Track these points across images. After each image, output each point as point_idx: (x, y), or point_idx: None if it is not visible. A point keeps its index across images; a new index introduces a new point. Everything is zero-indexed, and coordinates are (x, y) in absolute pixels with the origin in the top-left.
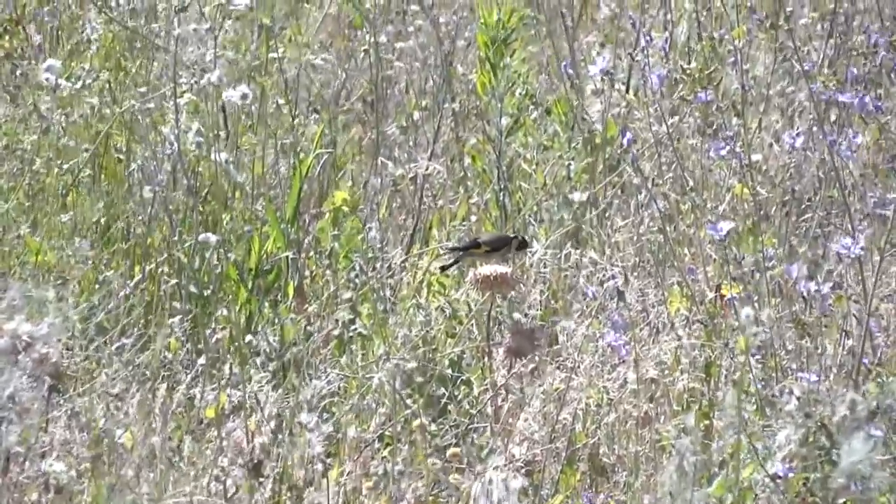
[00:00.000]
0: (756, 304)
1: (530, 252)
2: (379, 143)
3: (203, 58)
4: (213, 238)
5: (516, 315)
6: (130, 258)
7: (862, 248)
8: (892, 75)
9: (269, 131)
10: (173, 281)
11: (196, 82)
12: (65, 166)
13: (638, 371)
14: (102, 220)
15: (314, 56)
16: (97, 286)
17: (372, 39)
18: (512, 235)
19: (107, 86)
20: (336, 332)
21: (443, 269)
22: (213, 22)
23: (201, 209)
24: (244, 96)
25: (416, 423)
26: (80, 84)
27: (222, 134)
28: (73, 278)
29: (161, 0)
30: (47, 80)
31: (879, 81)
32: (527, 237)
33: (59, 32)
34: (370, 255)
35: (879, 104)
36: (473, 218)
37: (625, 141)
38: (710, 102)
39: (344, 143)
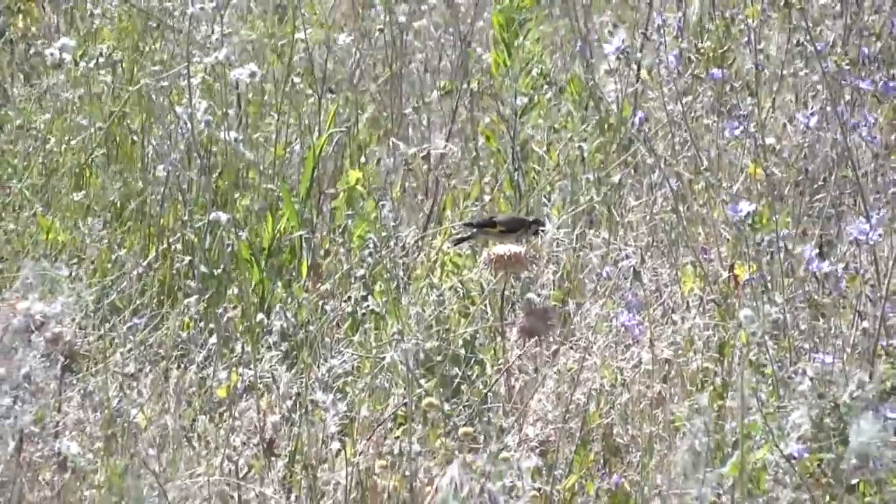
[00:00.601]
0: (769, 285)
1: (543, 232)
2: (394, 123)
3: (212, 37)
4: (223, 217)
5: (530, 294)
6: (144, 237)
7: (880, 235)
8: None
9: (283, 110)
10: (186, 260)
11: (207, 62)
12: (78, 145)
13: (652, 351)
14: (116, 200)
15: (330, 35)
16: (110, 266)
17: (387, 18)
18: (529, 219)
19: (120, 65)
20: (349, 311)
21: (456, 242)
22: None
23: (214, 188)
24: (252, 74)
25: (426, 401)
26: (93, 63)
27: (232, 112)
28: (87, 258)
29: None
30: (56, 56)
31: (892, 61)
32: (541, 219)
33: (73, 11)
34: (384, 233)
35: (892, 84)
36: (487, 198)
37: (636, 120)
38: (724, 81)
39: (362, 122)
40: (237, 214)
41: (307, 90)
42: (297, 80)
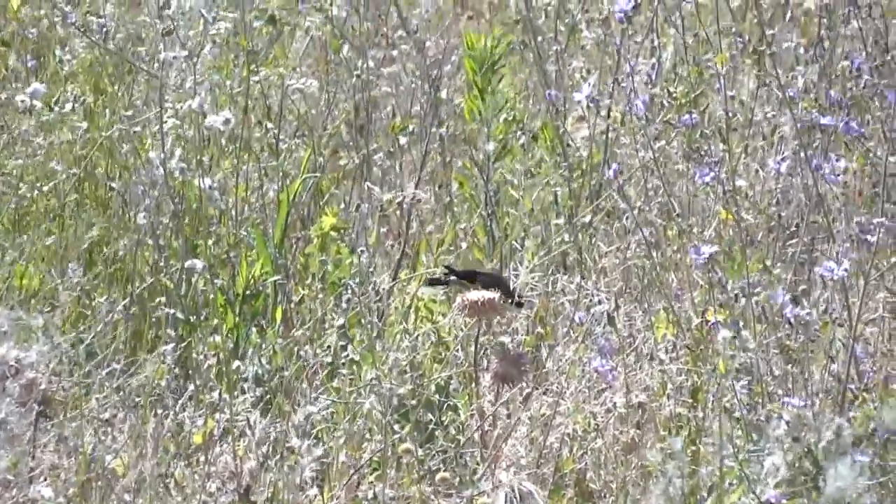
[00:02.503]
0: (741, 330)
1: (516, 276)
2: (365, 168)
3: (185, 83)
4: (199, 264)
5: (503, 339)
6: (117, 283)
7: (846, 270)
8: (875, 100)
9: (254, 155)
10: (161, 306)
11: (179, 108)
12: (50, 191)
13: (626, 396)
14: (89, 246)
15: (296, 81)
16: (86, 312)
17: (360, 64)
18: (512, 287)
19: (91, 109)
20: (328, 360)
21: (431, 283)
22: (194, 47)
23: (187, 235)
24: (227, 122)
25: (402, 447)
26: (65, 108)
27: (206, 159)
28: (62, 304)
29: (146, 25)
30: (27, 103)
31: (862, 106)
32: (525, 300)
33: (44, 55)
34: (359, 279)
35: (862, 130)
36: (464, 245)
37: (611, 172)
38: (696, 126)
39: (329, 167)
40: (209, 260)
41: (277, 135)
42: (269, 125)
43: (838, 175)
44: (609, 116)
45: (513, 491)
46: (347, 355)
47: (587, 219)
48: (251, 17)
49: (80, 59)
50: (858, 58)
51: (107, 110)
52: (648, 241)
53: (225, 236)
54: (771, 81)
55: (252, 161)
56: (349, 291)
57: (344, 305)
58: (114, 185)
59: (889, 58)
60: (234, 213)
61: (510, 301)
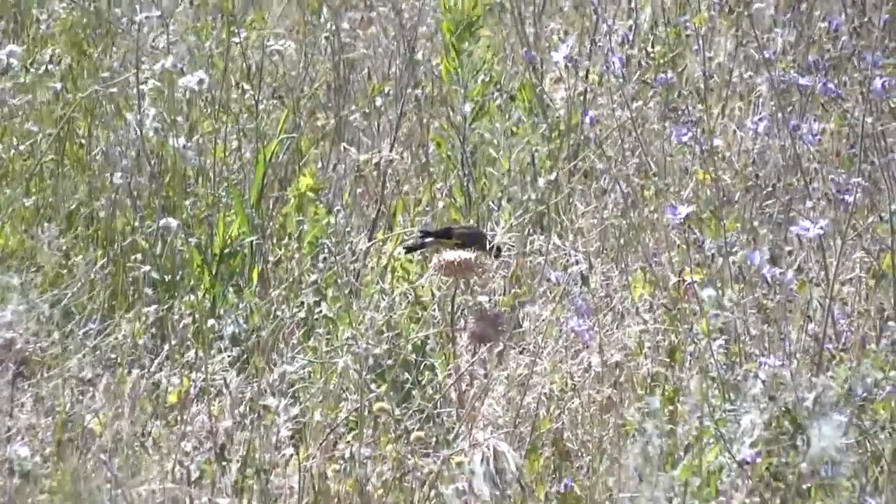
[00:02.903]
0: (719, 289)
1: (492, 235)
2: (342, 129)
3: (160, 44)
4: (173, 223)
5: (481, 299)
6: (95, 243)
7: (821, 229)
8: (853, 61)
9: (233, 116)
10: (138, 266)
11: (155, 69)
12: (27, 151)
13: (602, 356)
14: (66, 205)
15: (275, 42)
16: (63, 272)
17: (334, 26)
18: (489, 237)
19: (69, 71)
20: (302, 316)
21: (409, 249)
22: (169, 7)
23: (165, 194)
24: (201, 81)
25: (377, 406)
26: (42, 69)
27: (180, 119)
28: (40, 264)
29: None
30: (3, 62)
31: (840, 67)
32: (501, 245)
33: (20, 17)
34: (335, 239)
35: (839, 91)
36: (440, 205)
37: (587, 120)
38: (673, 86)
39: (307, 129)
40: (187, 221)
41: (256, 96)
42: (246, 87)
43: (816, 136)
44: (587, 77)
45: (489, 450)
46: (322, 312)
47: (564, 179)
48: None
49: (60, 20)
50: (836, 19)
51: (85, 71)
52: (626, 200)
53: (203, 197)
54: (748, 42)
55: (230, 122)
56: (325, 251)
57: (320, 265)
58: (92, 145)
59: (867, 19)
60: (211, 173)
61: (489, 251)
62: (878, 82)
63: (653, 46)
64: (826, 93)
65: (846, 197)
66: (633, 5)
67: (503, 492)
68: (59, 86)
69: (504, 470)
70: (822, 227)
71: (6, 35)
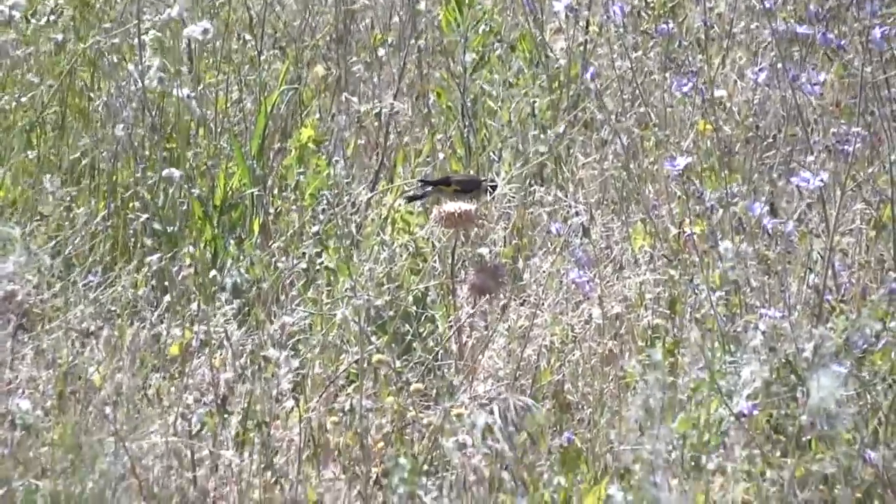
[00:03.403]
0: (721, 241)
1: (494, 191)
2: (344, 80)
3: None
4: (176, 174)
5: (482, 251)
6: (97, 195)
7: (822, 181)
8: (853, 11)
9: (234, 67)
10: (140, 217)
11: (159, 19)
12: (30, 103)
13: (602, 307)
14: (69, 157)
15: None
16: (64, 223)
17: None
18: (482, 178)
19: (71, 22)
20: (303, 266)
21: (410, 199)
22: None
23: (166, 145)
24: (205, 31)
25: (376, 358)
26: (44, 20)
27: (184, 69)
28: (42, 215)
29: None
30: (6, 14)
31: (840, 17)
32: (495, 179)
33: None
34: (335, 191)
35: (841, 42)
36: (441, 156)
37: (588, 76)
38: (673, 36)
39: (308, 79)
40: (189, 172)
41: (258, 46)
42: (247, 37)
43: (815, 86)
44: (588, 28)
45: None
46: (322, 263)
47: (563, 128)
48: None
49: None
50: None
51: (87, 23)
52: (625, 150)
53: (205, 148)
54: None
55: (232, 73)
56: (325, 203)
57: (321, 217)
58: (95, 97)
59: None
60: (213, 124)
61: (484, 189)
62: (877, 32)
63: None
64: (825, 43)
65: (846, 147)
66: None
67: (514, 444)
68: (60, 37)
69: (510, 422)
70: (822, 180)
71: None
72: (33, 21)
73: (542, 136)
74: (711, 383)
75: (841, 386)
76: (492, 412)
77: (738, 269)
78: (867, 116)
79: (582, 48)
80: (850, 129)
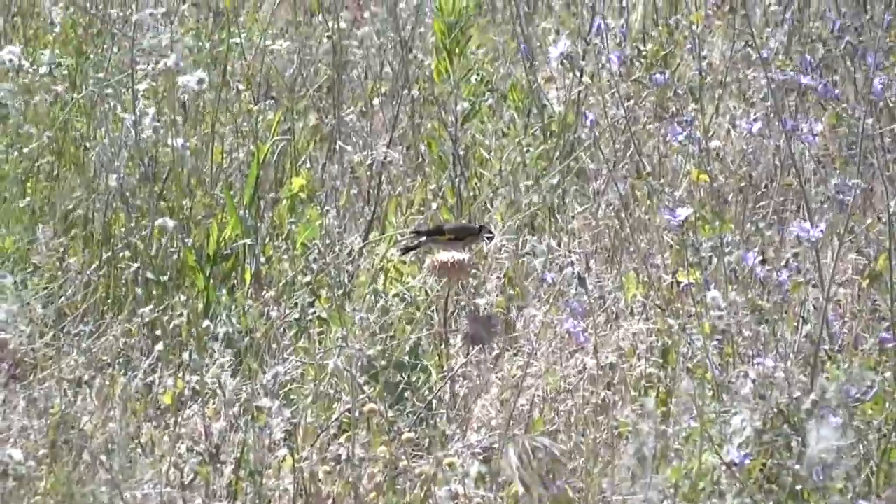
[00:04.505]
0: (715, 291)
1: (488, 239)
2: (337, 130)
3: (161, 43)
4: (170, 223)
5: (479, 301)
6: (90, 244)
7: (822, 232)
8: (847, 60)
9: (228, 118)
10: (133, 267)
11: (154, 68)
12: (24, 152)
13: (597, 357)
14: (62, 207)
15: (272, 42)
16: (57, 273)
17: (333, 25)
18: (476, 226)
19: (66, 72)
20: (295, 317)
21: (404, 251)
22: (168, 6)
23: (160, 195)
24: (201, 81)
25: (368, 407)
26: (42, 69)
27: (179, 119)
28: (35, 265)
29: None
30: (8, 64)
31: (835, 68)
32: (488, 226)
33: (16, 18)
34: (328, 240)
35: (836, 92)
36: (434, 205)
37: (587, 122)
38: (667, 86)
39: (301, 130)
40: (182, 222)
41: (248, 97)
42: (240, 87)
43: (815, 136)
44: (583, 75)
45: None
46: (315, 313)
47: (557, 179)
48: None
49: (60, 21)
50: (836, 19)
51: (82, 72)
52: (621, 199)
53: (200, 198)
54: (746, 41)
55: (228, 123)
56: (316, 252)
57: (312, 266)
58: (90, 146)
59: (869, 18)
60: (207, 176)
61: (478, 233)
62: (877, 83)
63: (645, 45)
64: (826, 94)
65: (845, 198)
66: (623, 4)
67: (496, 494)
68: (60, 88)
69: (500, 471)
70: (822, 230)
71: (3, 35)
72: (31, 71)
73: (534, 185)
74: (702, 432)
75: (839, 437)
76: (484, 461)
77: (730, 319)
78: (861, 167)
79: (576, 97)
80: (845, 179)
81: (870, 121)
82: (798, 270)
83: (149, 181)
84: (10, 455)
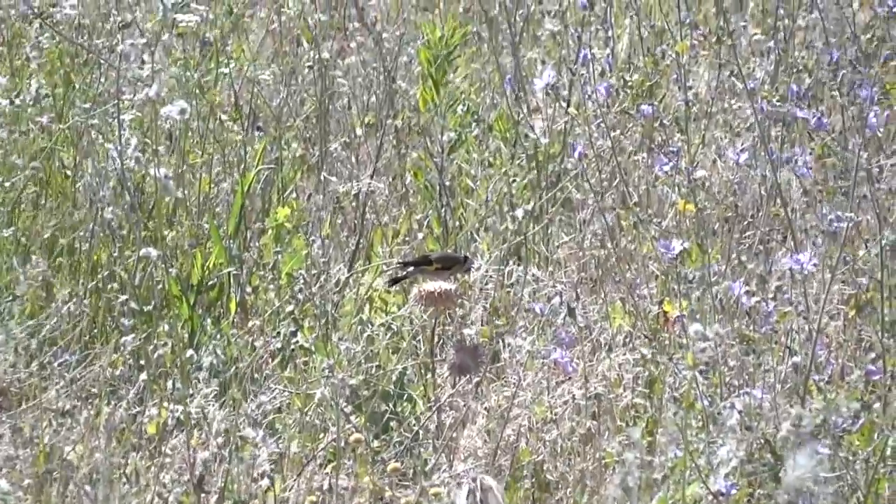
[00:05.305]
0: (702, 321)
1: (474, 268)
2: (322, 160)
3: (144, 74)
4: (153, 253)
5: (466, 331)
6: (75, 274)
7: (815, 265)
8: (837, 92)
9: (214, 147)
10: (117, 297)
11: (137, 98)
12: (8, 183)
13: (586, 387)
14: (48, 236)
15: (259, 72)
16: (42, 303)
17: (316, 56)
18: (462, 256)
19: (52, 102)
20: (279, 346)
21: (392, 282)
22: (152, 37)
23: (145, 225)
24: (182, 111)
25: (353, 437)
26: (27, 99)
27: (161, 149)
28: (20, 295)
29: (104, 17)
30: None
31: (821, 98)
32: (470, 257)
33: (2, 48)
34: (313, 270)
35: (824, 122)
36: (420, 235)
37: (576, 154)
38: (654, 117)
39: (287, 160)
40: (166, 251)
41: (233, 127)
42: (223, 117)
43: (810, 168)
44: (569, 105)
45: (474, 482)
46: (298, 342)
47: (543, 209)
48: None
49: (46, 51)
50: (830, 51)
51: (62, 102)
52: (607, 230)
53: (187, 227)
54: (732, 71)
55: (214, 152)
56: (301, 282)
57: (298, 296)
58: (77, 176)
59: (871, 49)
60: (191, 205)
61: (462, 263)
62: (871, 118)
63: (630, 75)
64: (820, 127)
65: (837, 229)
66: (609, 34)
67: None
68: (45, 119)
69: (486, 502)
70: (815, 263)
71: None
72: (15, 102)
73: (520, 216)
74: (688, 462)
75: (818, 465)
76: (474, 494)
77: (715, 349)
78: (852, 199)
79: (562, 127)
80: (835, 210)
81: (864, 154)
82: (790, 303)
83: (133, 211)
84: None
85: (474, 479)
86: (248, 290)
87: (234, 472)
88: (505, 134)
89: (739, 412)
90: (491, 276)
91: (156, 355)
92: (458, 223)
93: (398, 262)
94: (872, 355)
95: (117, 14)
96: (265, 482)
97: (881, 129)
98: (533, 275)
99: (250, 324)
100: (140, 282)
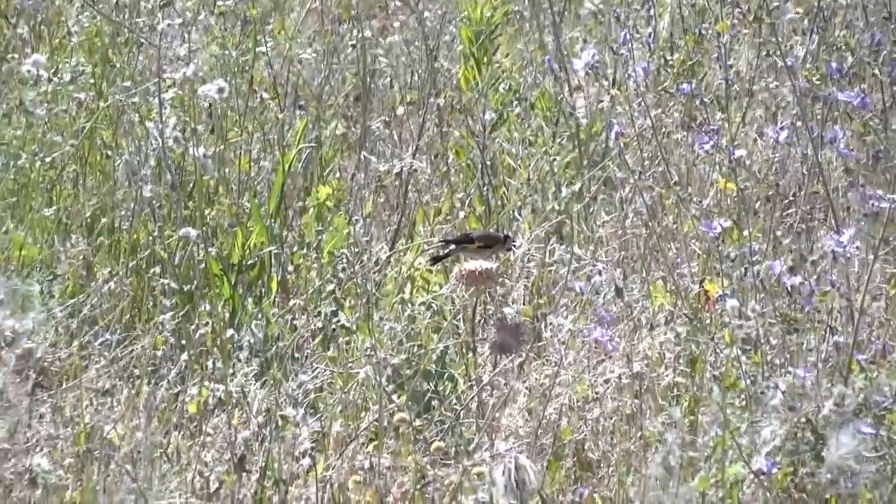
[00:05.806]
0: (741, 299)
1: (515, 247)
2: (364, 139)
3: (183, 52)
4: (192, 232)
5: (506, 310)
6: (116, 253)
7: (857, 248)
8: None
9: (255, 126)
10: (158, 276)
11: (177, 77)
12: (48, 160)
13: (630, 366)
14: (88, 215)
15: (301, 50)
16: (83, 282)
17: (359, 34)
18: (503, 235)
19: (92, 81)
20: (320, 325)
21: (433, 260)
22: (192, 15)
23: (186, 204)
24: (220, 90)
25: (397, 416)
26: (66, 78)
27: (200, 128)
28: (61, 273)
29: None
30: (33, 73)
31: (863, 76)
32: (512, 235)
33: (42, 27)
34: (355, 249)
35: (867, 101)
36: (461, 214)
37: (612, 135)
38: (694, 95)
39: (328, 138)
40: (207, 230)
41: (273, 106)
42: (265, 95)
43: (852, 149)
44: (613, 85)
45: (510, 461)
46: (339, 321)
47: (585, 188)
48: None
49: (86, 30)
50: (871, 32)
51: (108, 81)
52: (648, 209)
53: (227, 207)
54: (773, 51)
55: (256, 131)
56: (343, 261)
57: (340, 275)
58: (116, 155)
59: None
60: (234, 184)
61: (504, 242)
62: None
63: (672, 54)
64: (864, 106)
65: (881, 208)
66: (651, 13)
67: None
68: (83, 96)
69: (525, 481)
70: (857, 246)
71: (27, 45)
72: (56, 79)
73: (559, 194)
74: (730, 441)
75: (861, 444)
76: (510, 473)
77: (754, 327)
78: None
79: (603, 106)
80: (879, 190)
81: None
82: (832, 284)
83: (174, 190)
84: (38, 463)
85: (509, 458)
86: (290, 269)
87: (274, 452)
88: (546, 112)
89: (783, 392)
90: (532, 255)
91: (197, 335)
92: (499, 202)
93: (439, 240)
94: None
95: None
96: (307, 461)
97: None
98: (574, 253)
99: (291, 303)
100: (180, 261)
